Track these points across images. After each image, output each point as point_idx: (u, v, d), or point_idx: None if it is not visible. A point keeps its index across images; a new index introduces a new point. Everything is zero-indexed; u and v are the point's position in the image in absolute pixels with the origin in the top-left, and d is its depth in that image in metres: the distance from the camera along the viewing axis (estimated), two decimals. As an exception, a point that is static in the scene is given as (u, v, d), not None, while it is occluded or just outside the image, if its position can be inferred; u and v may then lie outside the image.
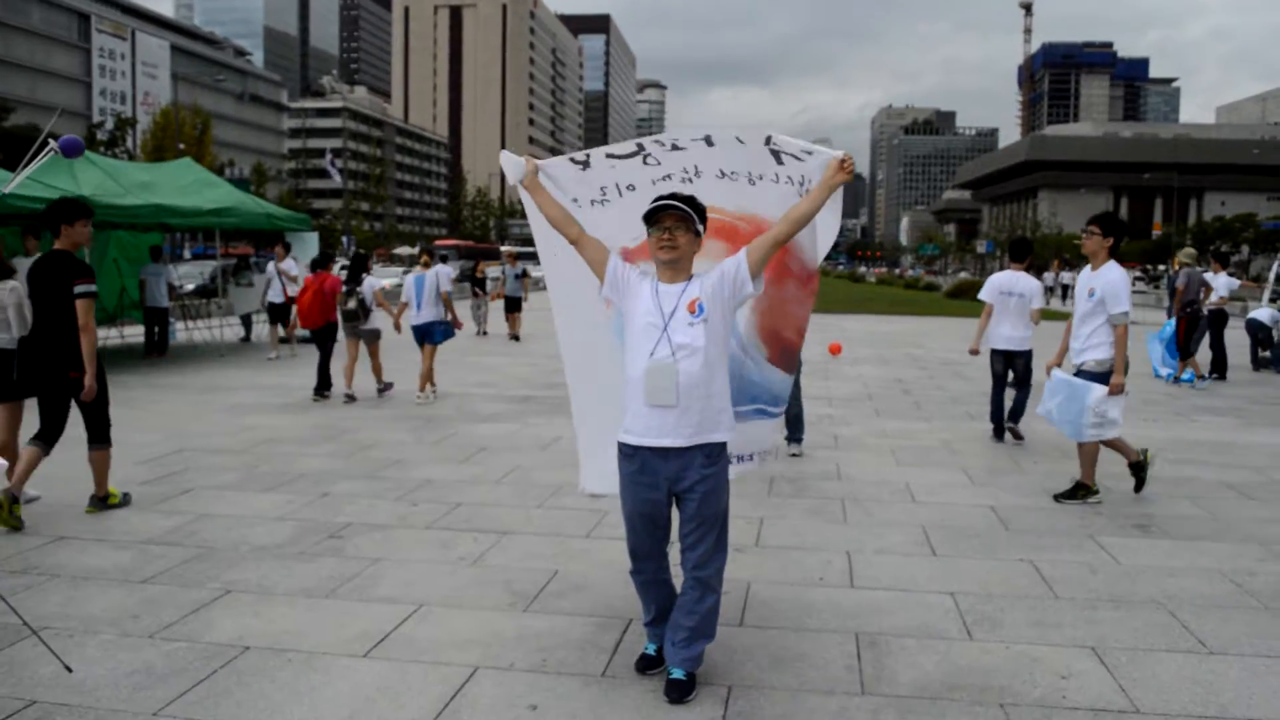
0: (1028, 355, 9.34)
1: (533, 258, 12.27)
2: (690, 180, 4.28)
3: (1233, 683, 3.97)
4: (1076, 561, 5.59)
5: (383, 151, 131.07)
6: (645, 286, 3.84)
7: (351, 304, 11.64)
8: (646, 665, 4.01)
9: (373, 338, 11.87)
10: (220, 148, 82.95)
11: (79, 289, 6.15)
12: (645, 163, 4.30)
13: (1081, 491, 7.06)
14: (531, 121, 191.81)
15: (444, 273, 11.92)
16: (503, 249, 15.59)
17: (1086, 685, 3.94)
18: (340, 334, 11.96)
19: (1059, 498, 7.08)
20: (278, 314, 16.15)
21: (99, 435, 6.46)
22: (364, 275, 11.79)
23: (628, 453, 3.84)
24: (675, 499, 3.83)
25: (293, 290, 15.24)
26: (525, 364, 15.30)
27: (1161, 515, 6.66)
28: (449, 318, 11.80)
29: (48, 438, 6.27)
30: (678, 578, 4.00)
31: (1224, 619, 4.69)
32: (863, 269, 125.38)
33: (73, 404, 6.32)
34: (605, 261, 3.93)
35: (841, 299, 43.34)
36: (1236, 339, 16.67)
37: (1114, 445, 7.05)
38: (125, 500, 6.65)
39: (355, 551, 5.65)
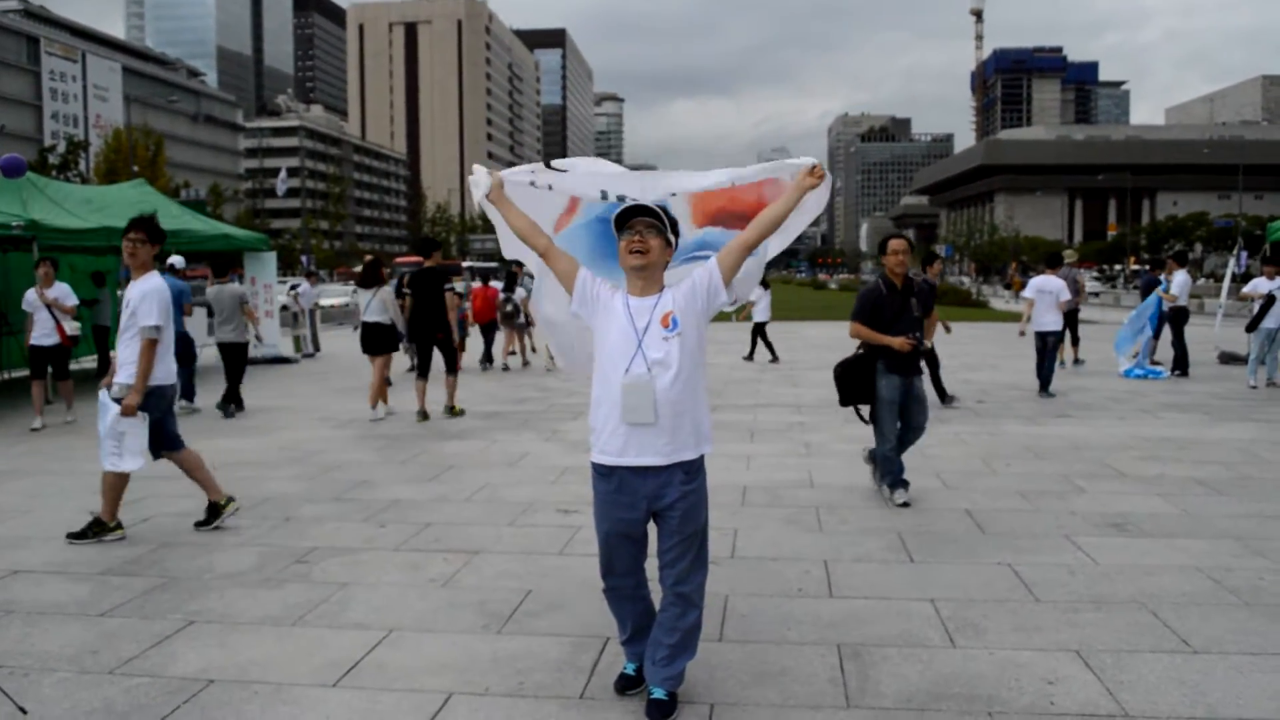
0: (1059, 334, 13.12)
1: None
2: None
3: (1220, 682, 3.93)
4: (1055, 563, 5.55)
5: (341, 169, 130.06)
6: (616, 301, 3.73)
7: (509, 307, 17.33)
8: (626, 685, 3.90)
9: (525, 327, 17.72)
10: (175, 169, 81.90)
11: (447, 287, 11.21)
12: (603, 198, 4.15)
13: (95, 529, 6.22)
14: (490, 137, 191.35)
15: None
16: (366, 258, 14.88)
17: (1073, 690, 3.88)
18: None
19: (71, 537, 6.19)
20: (46, 361, 11.24)
21: (451, 367, 11.53)
22: (516, 287, 17.31)
23: (603, 472, 3.72)
24: (653, 516, 3.73)
25: (70, 327, 11.25)
26: (492, 380, 15.14)
27: (1136, 513, 6.64)
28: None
29: (423, 373, 11.41)
30: (655, 594, 3.90)
31: (1205, 617, 4.66)
32: (823, 276, 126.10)
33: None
34: (574, 274, 3.81)
35: (804, 306, 43.54)
36: (1197, 335, 16.85)
37: (196, 477, 6.49)
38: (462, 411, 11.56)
39: (322, 576, 5.50)
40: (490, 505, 7.13)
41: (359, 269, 15.09)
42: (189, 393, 12.34)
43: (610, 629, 4.25)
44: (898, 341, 6.83)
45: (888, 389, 6.98)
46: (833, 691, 3.91)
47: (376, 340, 11.55)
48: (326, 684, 4.03)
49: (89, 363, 17.33)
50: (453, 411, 11.41)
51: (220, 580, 5.44)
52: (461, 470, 8.40)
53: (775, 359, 18.16)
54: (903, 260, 7.07)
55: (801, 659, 4.23)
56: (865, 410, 7.21)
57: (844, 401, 7.24)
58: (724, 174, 4.02)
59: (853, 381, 7.16)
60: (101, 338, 16.75)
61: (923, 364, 7.48)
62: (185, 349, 11.86)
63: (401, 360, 14.95)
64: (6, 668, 4.19)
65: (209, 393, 12.81)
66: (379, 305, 11.51)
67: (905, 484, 7.05)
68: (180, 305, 11.45)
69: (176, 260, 13.23)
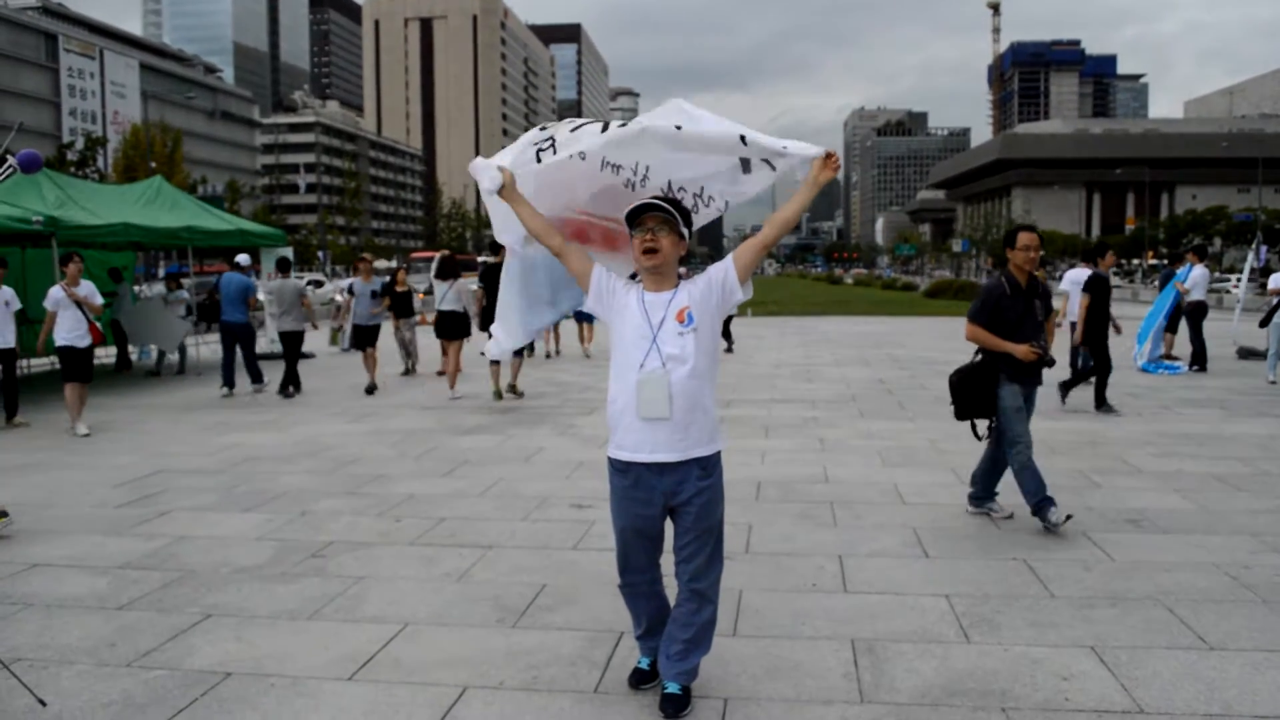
0: None
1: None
2: (633, 187, 3.92)
3: (1235, 679, 3.91)
4: (1070, 559, 5.53)
5: (357, 165, 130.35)
6: (631, 297, 3.73)
7: None
8: (640, 680, 3.91)
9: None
10: (193, 165, 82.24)
11: None
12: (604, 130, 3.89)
13: None
14: (505, 132, 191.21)
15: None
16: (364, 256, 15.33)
17: (1088, 686, 3.87)
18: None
19: None
20: (76, 361, 10.40)
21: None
22: None
23: (620, 468, 3.72)
24: (670, 512, 3.74)
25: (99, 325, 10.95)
26: (506, 375, 15.14)
27: (1153, 509, 6.61)
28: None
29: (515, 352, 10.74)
30: (669, 589, 3.91)
31: (1222, 614, 4.64)
32: (838, 271, 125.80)
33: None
34: (590, 273, 3.80)
35: (820, 301, 43.47)
36: (1216, 330, 16.73)
37: None
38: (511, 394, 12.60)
39: (338, 570, 5.53)
40: (505, 500, 7.15)
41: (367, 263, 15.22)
42: (229, 380, 13.44)
43: (624, 624, 4.26)
44: (1021, 349, 6.06)
45: (1010, 396, 6.22)
46: (846, 686, 3.91)
47: (452, 327, 13.02)
48: (342, 677, 4.06)
49: (107, 358, 17.45)
50: (506, 393, 12.68)
51: (237, 574, 5.48)
52: (476, 465, 8.43)
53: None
54: (1034, 257, 6.19)
55: (815, 654, 4.23)
56: (983, 426, 6.50)
57: (960, 415, 6.47)
58: (734, 129, 3.76)
59: (971, 392, 6.36)
60: (121, 333, 16.91)
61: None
62: (247, 338, 13.74)
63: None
64: (26, 660, 4.23)
65: (241, 383, 13.75)
66: (454, 296, 12.93)
67: (1053, 499, 6.24)
68: (246, 299, 13.65)
69: (242, 258, 14.56)
